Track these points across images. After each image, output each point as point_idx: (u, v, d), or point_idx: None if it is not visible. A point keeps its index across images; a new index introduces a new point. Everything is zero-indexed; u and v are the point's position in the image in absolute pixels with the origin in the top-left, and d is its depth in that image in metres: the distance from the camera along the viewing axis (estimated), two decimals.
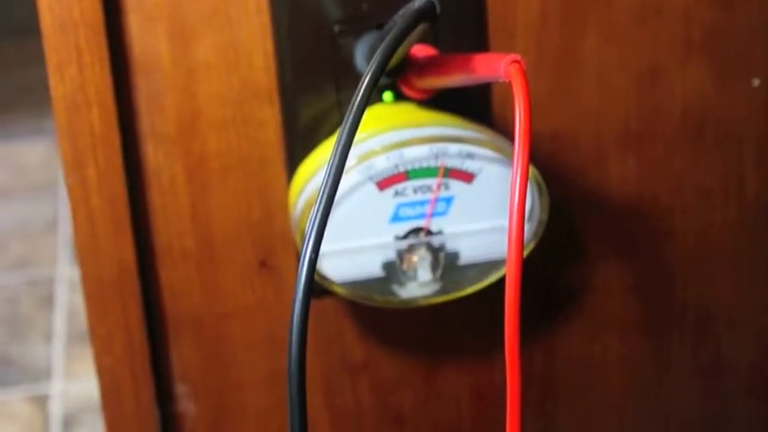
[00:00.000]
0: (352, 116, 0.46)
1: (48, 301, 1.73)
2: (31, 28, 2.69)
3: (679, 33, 0.74)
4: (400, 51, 0.59)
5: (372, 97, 0.69)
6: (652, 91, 0.75)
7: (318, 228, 0.45)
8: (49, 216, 1.95)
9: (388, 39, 0.50)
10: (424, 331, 0.78)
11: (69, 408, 1.51)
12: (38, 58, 2.45)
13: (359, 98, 0.48)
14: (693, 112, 0.76)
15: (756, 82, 0.76)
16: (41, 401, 1.53)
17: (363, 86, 0.48)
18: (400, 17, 0.54)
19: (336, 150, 0.46)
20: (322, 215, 0.45)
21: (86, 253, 0.70)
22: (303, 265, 0.46)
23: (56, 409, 1.51)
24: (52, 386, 1.55)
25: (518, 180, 0.51)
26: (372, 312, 0.76)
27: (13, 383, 1.56)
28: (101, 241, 0.69)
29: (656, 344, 0.80)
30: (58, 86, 0.66)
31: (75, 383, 1.55)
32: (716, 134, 0.76)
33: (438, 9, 0.54)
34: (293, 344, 0.45)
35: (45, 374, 1.57)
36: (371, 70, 0.49)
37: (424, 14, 0.53)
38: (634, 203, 0.77)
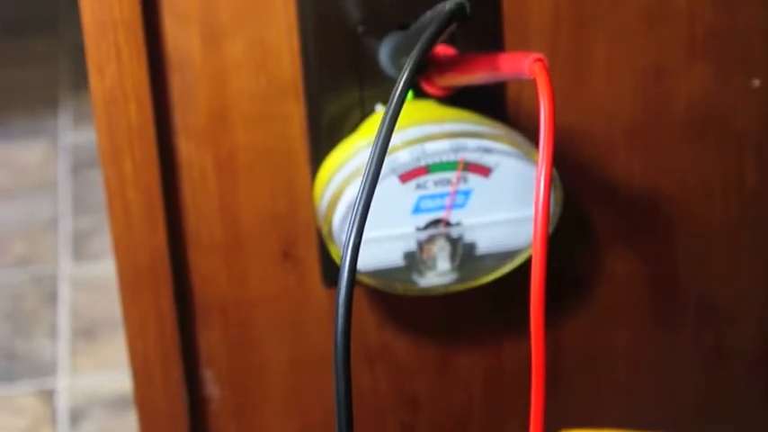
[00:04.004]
0: (392, 108, 0.50)
1: (51, 298, 1.75)
2: (32, 27, 2.70)
3: (683, 35, 0.78)
4: None
5: None
6: (657, 89, 0.78)
7: (362, 213, 0.48)
8: (49, 215, 1.97)
9: (424, 38, 0.54)
10: (439, 319, 0.81)
11: (76, 402, 1.54)
12: (35, 57, 2.46)
13: (399, 90, 0.51)
14: (696, 110, 0.79)
15: (757, 82, 0.79)
16: (48, 396, 1.55)
17: (402, 82, 0.51)
18: (433, 18, 0.57)
19: (378, 140, 0.50)
20: (365, 200, 0.49)
21: (121, 242, 0.73)
22: (347, 250, 0.50)
23: (62, 404, 1.54)
24: (58, 381, 1.58)
25: (543, 169, 0.54)
26: (389, 301, 0.79)
27: (19, 378, 1.59)
28: (135, 231, 0.73)
29: (660, 333, 0.84)
30: (98, 83, 0.69)
31: (81, 378, 1.58)
32: (717, 131, 0.80)
33: (468, 10, 0.57)
34: (339, 323, 0.48)
35: (51, 369, 1.60)
36: (409, 67, 0.52)
37: (456, 15, 0.56)
38: (640, 196, 0.80)
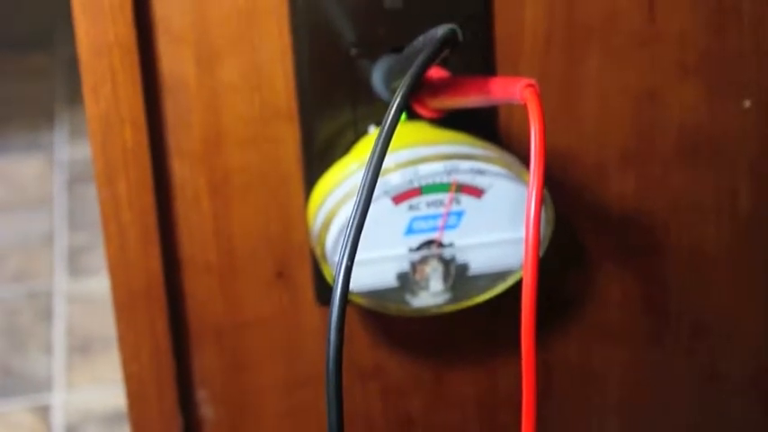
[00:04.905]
0: (384, 133, 0.50)
1: (46, 314, 1.76)
2: (28, 42, 2.71)
3: (675, 58, 0.78)
4: None
5: None
6: (650, 112, 0.79)
7: (354, 237, 0.49)
8: (45, 230, 1.98)
9: (416, 64, 0.54)
10: (432, 339, 0.81)
11: (71, 418, 1.54)
12: (34, 72, 2.46)
13: (391, 116, 0.52)
14: (688, 132, 0.80)
15: (747, 103, 0.80)
16: (43, 412, 1.55)
17: (395, 107, 0.52)
18: (425, 44, 0.58)
19: (370, 166, 0.50)
20: (357, 225, 0.49)
21: (116, 264, 0.73)
22: (340, 272, 0.50)
23: (58, 420, 1.54)
24: (54, 396, 1.58)
25: (534, 196, 0.55)
26: (382, 321, 0.80)
27: (14, 394, 1.59)
28: (130, 253, 0.73)
29: (652, 353, 0.84)
30: (93, 106, 0.70)
31: (77, 394, 1.58)
32: (709, 153, 0.81)
33: (460, 37, 0.58)
34: (331, 346, 0.49)
35: (46, 385, 1.60)
36: (401, 93, 0.53)
37: (448, 42, 0.57)
38: (632, 218, 0.81)
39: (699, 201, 0.81)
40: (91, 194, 2.00)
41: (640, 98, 0.78)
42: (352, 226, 0.50)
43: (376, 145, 0.51)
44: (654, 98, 0.79)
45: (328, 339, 0.48)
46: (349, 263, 0.49)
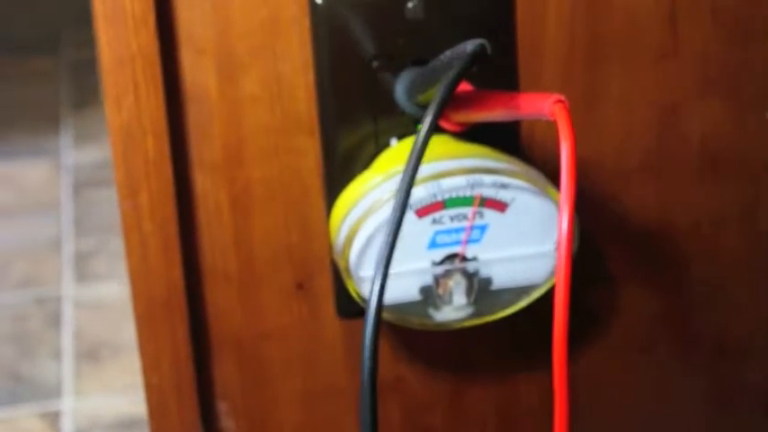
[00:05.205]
0: (417, 151, 0.50)
1: (55, 319, 1.76)
2: (32, 46, 2.70)
3: (697, 70, 0.78)
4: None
5: (410, 130, 0.73)
6: (672, 125, 0.79)
7: (387, 257, 0.49)
8: (52, 235, 1.97)
9: (446, 81, 0.54)
10: (453, 352, 0.81)
11: (80, 424, 1.54)
12: (39, 75, 2.46)
13: (423, 135, 0.52)
14: (710, 145, 0.80)
15: None
16: (53, 418, 1.55)
17: (427, 124, 0.52)
18: (453, 57, 0.57)
19: (404, 182, 0.50)
20: (390, 245, 0.49)
21: (137, 274, 0.73)
22: (374, 290, 0.50)
23: (67, 426, 1.54)
24: (63, 403, 1.58)
25: (566, 213, 0.54)
26: (403, 334, 0.79)
27: (23, 400, 1.59)
28: (152, 263, 0.73)
29: (674, 366, 0.84)
30: (116, 117, 0.70)
31: (85, 400, 1.58)
32: (731, 166, 0.80)
33: (489, 51, 0.57)
34: (366, 360, 0.48)
35: (55, 391, 1.60)
36: (434, 110, 0.52)
37: (477, 57, 0.56)
38: (654, 231, 0.81)
39: (720, 213, 0.81)
40: (97, 199, 1.99)
41: (663, 111, 0.78)
42: (386, 247, 0.50)
43: (408, 164, 0.51)
44: (676, 111, 0.78)
45: (363, 361, 0.48)
46: (381, 285, 0.49)
